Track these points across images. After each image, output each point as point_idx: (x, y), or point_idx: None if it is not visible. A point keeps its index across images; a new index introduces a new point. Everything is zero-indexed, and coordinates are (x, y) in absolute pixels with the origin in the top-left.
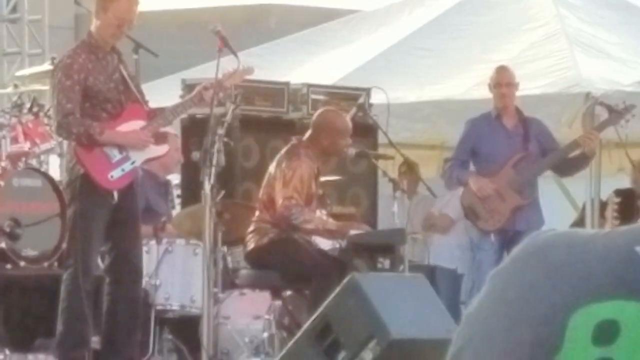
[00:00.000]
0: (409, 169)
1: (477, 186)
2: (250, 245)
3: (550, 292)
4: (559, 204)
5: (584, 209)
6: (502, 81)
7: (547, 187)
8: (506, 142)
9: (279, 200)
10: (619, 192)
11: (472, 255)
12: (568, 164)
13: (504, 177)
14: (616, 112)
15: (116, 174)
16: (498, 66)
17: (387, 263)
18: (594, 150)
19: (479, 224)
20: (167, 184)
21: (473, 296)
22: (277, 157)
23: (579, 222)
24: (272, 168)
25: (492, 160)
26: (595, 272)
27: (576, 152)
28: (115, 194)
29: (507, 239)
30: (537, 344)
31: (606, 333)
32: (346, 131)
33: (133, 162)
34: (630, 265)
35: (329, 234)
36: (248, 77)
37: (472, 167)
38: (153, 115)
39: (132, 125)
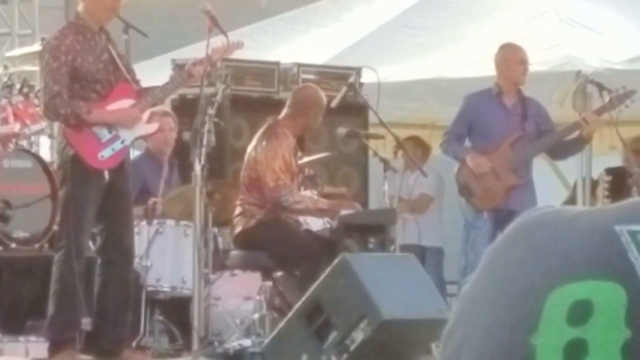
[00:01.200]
0: (399, 147)
1: (474, 163)
2: (238, 228)
3: (531, 271)
4: (551, 182)
5: (575, 187)
6: (525, 57)
7: (539, 165)
8: (504, 120)
9: (267, 182)
10: (609, 171)
11: (466, 234)
12: (564, 146)
13: (501, 155)
14: (616, 96)
15: (106, 153)
16: (506, 44)
17: (377, 243)
18: (592, 133)
19: (473, 202)
20: (171, 163)
21: (467, 275)
22: (255, 137)
23: (571, 201)
24: (250, 149)
25: (488, 137)
26: (575, 251)
27: (573, 135)
28: (107, 174)
29: (501, 218)
30: (516, 323)
31: (580, 313)
32: (323, 103)
33: (123, 141)
34: (609, 245)
35: (320, 212)
36: (238, 51)
37: (467, 143)
38: (143, 94)
39: (121, 104)
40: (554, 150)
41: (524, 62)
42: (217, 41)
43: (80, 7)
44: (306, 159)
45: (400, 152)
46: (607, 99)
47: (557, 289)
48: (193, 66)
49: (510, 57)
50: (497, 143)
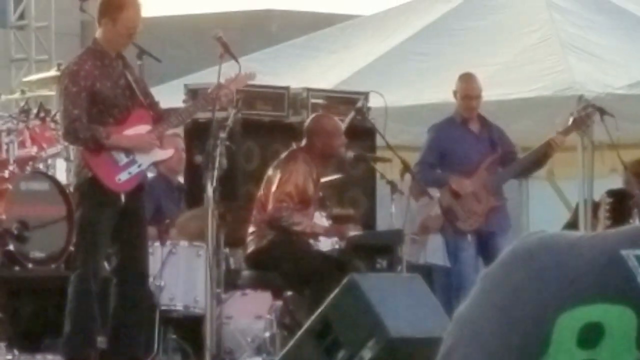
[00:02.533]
0: (405, 170)
1: (459, 186)
2: (250, 247)
3: (537, 295)
4: (553, 204)
5: (577, 209)
6: (473, 94)
7: (541, 188)
8: (475, 145)
9: (271, 202)
10: (611, 193)
11: (451, 258)
12: (531, 167)
13: (479, 179)
14: (579, 118)
15: (123, 176)
16: (464, 75)
17: (385, 263)
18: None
19: (457, 225)
20: (180, 188)
21: (459, 297)
22: (277, 160)
23: (573, 223)
24: (270, 171)
25: (463, 163)
26: (581, 275)
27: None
28: (123, 197)
29: (481, 239)
30: (523, 347)
31: (591, 336)
32: (336, 131)
33: (140, 165)
34: (615, 269)
35: (316, 236)
36: (250, 82)
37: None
38: (161, 118)
39: (138, 130)
40: (522, 172)
41: (470, 97)
42: (229, 67)
43: (97, 33)
44: None
45: (406, 175)
46: (570, 121)
47: (566, 312)
48: (220, 88)
49: (461, 91)
50: (473, 168)
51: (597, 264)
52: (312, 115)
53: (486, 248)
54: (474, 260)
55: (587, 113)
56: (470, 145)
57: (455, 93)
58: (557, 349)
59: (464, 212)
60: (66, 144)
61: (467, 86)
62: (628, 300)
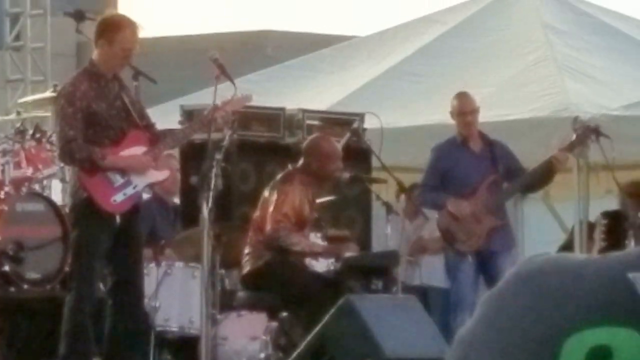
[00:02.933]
0: (401, 191)
1: (455, 208)
2: (246, 267)
3: (544, 317)
4: (548, 225)
5: (572, 232)
6: (467, 109)
7: (536, 208)
8: (475, 165)
9: (268, 223)
10: (606, 214)
11: (451, 278)
12: (535, 184)
13: (479, 199)
14: (581, 133)
15: (118, 198)
16: (459, 93)
17: (380, 284)
18: (562, 168)
19: (456, 246)
20: (176, 209)
21: (457, 317)
22: (273, 181)
23: (568, 245)
24: (266, 192)
25: (463, 184)
26: (588, 298)
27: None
28: (118, 218)
29: (482, 259)
30: None
31: (599, 358)
32: (334, 155)
33: (135, 187)
34: (622, 292)
35: (315, 256)
36: (246, 104)
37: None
38: (158, 138)
39: (133, 151)
40: (527, 189)
41: (464, 113)
42: (225, 88)
43: (94, 55)
44: None
45: (402, 196)
46: (573, 137)
47: (574, 334)
48: (216, 110)
49: (455, 109)
50: (474, 188)
51: (604, 287)
52: (311, 136)
53: (488, 268)
54: (472, 281)
55: (591, 128)
56: (470, 165)
57: (452, 114)
58: None
59: (462, 233)
60: (62, 165)
61: (460, 103)
62: (635, 323)
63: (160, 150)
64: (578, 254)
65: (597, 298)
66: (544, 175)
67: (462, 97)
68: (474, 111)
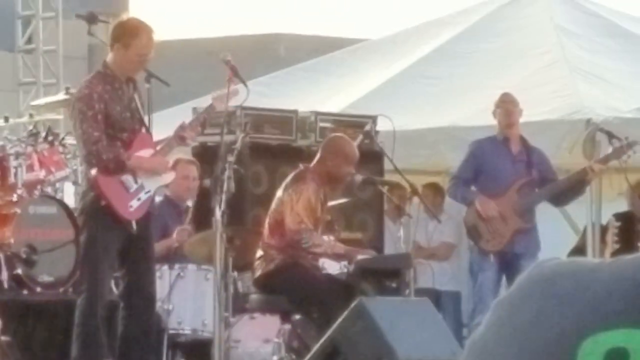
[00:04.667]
0: (413, 194)
1: (483, 207)
2: (258, 271)
3: (559, 320)
4: (560, 228)
5: (584, 233)
6: (506, 99)
7: (548, 211)
8: (511, 166)
9: (289, 225)
10: (618, 216)
11: (473, 277)
12: (565, 193)
13: (508, 200)
14: (620, 147)
15: (134, 203)
16: (502, 93)
17: (393, 287)
18: (594, 180)
19: (480, 244)
20: (188, 212)
21: (475, 318)
22: (285, 182)
23: (580, 247)
24: (279, 192)
25: (496, 182)
26: (603, 300)
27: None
28: (134, 224)
29: (506, 260)
30: None
31: None
32: (351, 157)
33: (148, 192)
34: (637, 294)
35: (337, 257)
36: (257, 99)
37: (473, 187)
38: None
39: (143, 154)
40: (557, 197)
41: (505, 102)
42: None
43: (108, 57)
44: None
45: (415, 199)
46: (610, 150)
47: (589, 337)
48: (184, 130)
49: (496, 104)
50: (505, 188)
51: (620, 289)
52: (332, 135)
53: (510, 269)
54: (494, 282)
55: (629, 143)
56: (505, 165)
57: (494, 112)
58: None
59: (488, 232)
60: (74, 167)
61: (502, 96)
62: None
63: (165, 153)
64: (590, 258)
65: (611, 301)
66: (575, 185)
67: (504, 93)
68: (515, 102)
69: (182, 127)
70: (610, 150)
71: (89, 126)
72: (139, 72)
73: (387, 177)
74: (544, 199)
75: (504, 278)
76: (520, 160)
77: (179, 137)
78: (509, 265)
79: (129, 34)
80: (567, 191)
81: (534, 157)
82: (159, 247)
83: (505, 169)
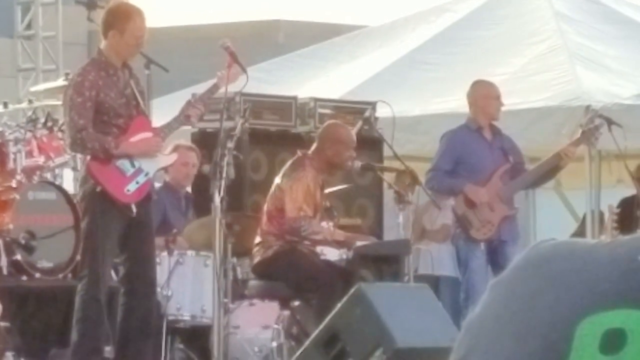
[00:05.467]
0: (413, 180)
1: (475, 194)
2: (256, 258)
3: (556, 301)
4: (560, 214)
5: (584, 220)
6: (497, 93)
7: (548, 198)
8: (489, 154)
9: (288, 212)
10: (619, 203)
11: (462, 266)
12: (542, 177)
13: (493, 187)
14: (588, 130)
15: (132, 187)
16: (481, 80)
17: (392, 273)
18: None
19: (471, 233)
20: (187, 198)
21: (468, 305)
22: (283, 169)
23: (580, 233)
24: (278, 179)
25: (477, 171)
26: (601, 281)
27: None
28: (134, 207)
29: (492, 247)
30: (544, 352)
31: (613, 341)
32: (349, 143)
33: (147, 174)
34: (635, 275)
35: (336, 244)
36: (257, 85)
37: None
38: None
39: (140, 137)
40: (534, 182)
41: (499, 97)
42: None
43: (102, 44)
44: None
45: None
46: (579, 134)
47: (587, 318)
48: (189, 108)
49: (488, 94)
50: (487, 176)
51: (616, 270)
52: (328, 122)
53: (496, 257)
54: (484, 269)
55: (596, 125)
56: (484, 153)
57: (478, 99)
58: (579, 355)
59: (478, 221)
60: (73, 153)
61: (489, 88)
62: None
63: (165, 135)
64: (587, 239)
65: (609, 281)
66: (549, 171)
67: (489, 83)
68: (500, 97)
69: (187, 106)
70: (579, 134)
71: (75, 113)
72: (136, 55)
73: (387, 163)
74: (527, 184)
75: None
76: (497, 148)
77: (185, 117)
78: (494, 252)
79: (123, 18)
80: (543, 176)
81: (505, 144)
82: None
83: (484, 157)
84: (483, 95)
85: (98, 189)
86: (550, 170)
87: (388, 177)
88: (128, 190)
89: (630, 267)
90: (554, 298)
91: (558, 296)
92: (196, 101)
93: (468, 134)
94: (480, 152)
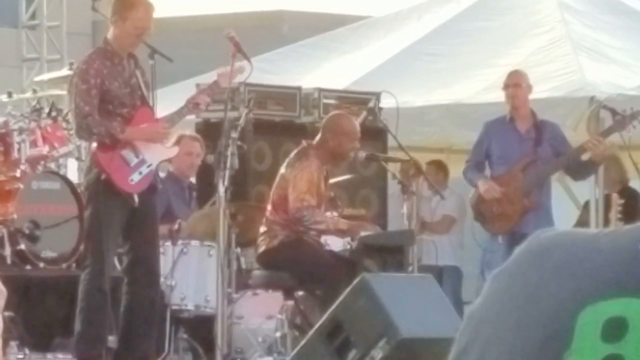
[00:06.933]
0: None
1: (483, 188)
2: (262, 247)
3: (558, 290)
4: (564, 204)
5: (585, 207)
6: (510, 82)
7: (556, 192)
8: (517, 145)
9: (292, 202)
10: (622, 193)
11: (483, 257)
12: (577, 168)
13: (513, 180)
14: (622, 118)
15: (135, 177)
16: (511, 70)
17: (396, 263)
18: (601, 155)
19: (486, 227)
20: (191, 188)
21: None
22: (288, 159)
23: (583, 222)
24: (283, 169)
25: (503, 163)
26: (602, 270)
27: (585, 157)
28: (136, 197)
29: (515, 241)
30: (546, 342)
31: (615, 330)
32: (353, 134)
33: (149, 165)
34: (636, 263)
35: (340, 233)
36: (260, 76)
37: (487, 169)
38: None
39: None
40: (571, 172)
41: (507, 86)
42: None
43: (109, 34)
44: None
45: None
46: (613, 121)
47: (588, 307)
48: (198, 96)
49: (503, 84)
50: (510, 168)
51: (617, 259)
52: (332, 112)
53: None
54: (501, 262)
55: (632, 113)
56: (512, 145)
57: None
58: (580, 344)
59: (494, 214)
60: (78, 143)
61: (506, 77)
62: None
63: (171, 124)
64: (590, 229)
65: (610, 270)
66: (587, 164)
67: (510, 72)
68: (517, 85)
69: (196, 94)
70: (610, 119)
71: (81, 100)
72: (137, 46)
73: (391, 154)
74: (548, 174)
75: None
76: (528, 139)
77: (194, 104)
78: (517, 245)
79: (127, 6)
80: (578, 166)
81: (545, 133)
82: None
83: (511, 148)
84: (503, 85)
85: (102, 176)
86: (586, 162)
87: (392, 168)
88: (132, 180)
89: (631, 255)
90: (555, 288)
91: (559, 286)
92: (202, 92)
93: (501, 124)
94: (508, 144)
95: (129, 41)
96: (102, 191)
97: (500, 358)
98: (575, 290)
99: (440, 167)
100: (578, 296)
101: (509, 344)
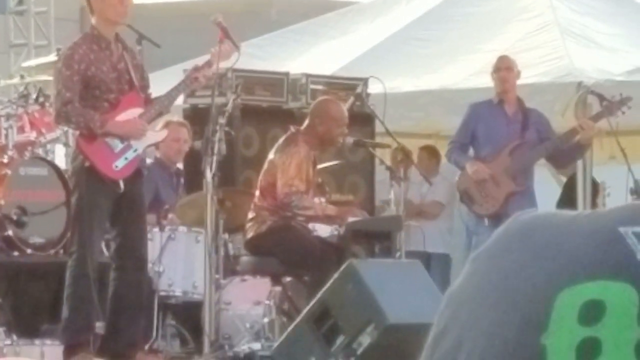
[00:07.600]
0: (405, 156)
1: (472, 170)
2: (250, 233)
3: (536, 272)
4: (552, 191)
5: (566, 186)
6: (502, 65)
7: (540, 174)
8: (505, 128)
9: (280, 188)
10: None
11: (468, 241)
12: (563, 154)
13: (500, 163)
14: (610, 103)
15: (120, 163)
16: (500, 55)
17: (383, 249)
18: (590, 139)
19: (474, 208)
20: (178, 174)
21: None
22: (277, 144)
23: (567, 200)
24: (271, 155)
25: (490, 144)
26: (580, 252)
27: (571, 142)
28: (122, 183)
29: (499, 223)
30: (523, 324)
31: (592, 313)
32: (341, 119)
33: (135, 150)
34: (615, 246)
35: (328, 219)
36: (248, 61)
37: (471, 151)
38: (150, 103)
39: (130, 114)
40: (555, 158)
41: (499, 69)
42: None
43: (93, 19)
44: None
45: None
46: (598, 103)
47: (565, 289)
48: (197, 70)
49: (493, 68)
50: (497, 151)
51: (596, 241)
52: (320, 98)
53: None
54: None
55: (622, 99)
56: (499, 127)
57: (492, 75)
58: (557, 326)
59: (480, 196)
60: (65, 129)
61: (497, 61)
62: (628, 277)
63: (155, 112)
64: (569, 211)
65: (588, 252)
66: (573, 147)
67: (500, 57)
68: (509, 68)
69: (194, 69)
70: (602, 107)
71: (62, 86)
72: (125, 17)
73: (378, 139)
74: (537, 159)
75: None
76: (515, 122)
77: (193, 78)
78: None
79: None
80: (563, 152)
81: (531, 118)
82: None
83: (499, 131)
84: (493, 68)
85: (86, 164)
86: (573, 147)
87: (380, 154)
88: (116, 167)
89: (610, 237)
90: (534, 269)
91: (538, 267)
92: (200, 68)
93: (488, 107)
94: (495, 127)
95: (115, 13)
96: (86, 178)
97: (478, 340)
98: (552, 273)
99: (432, 153)
100: (555, 279)
101: (487, 325)
